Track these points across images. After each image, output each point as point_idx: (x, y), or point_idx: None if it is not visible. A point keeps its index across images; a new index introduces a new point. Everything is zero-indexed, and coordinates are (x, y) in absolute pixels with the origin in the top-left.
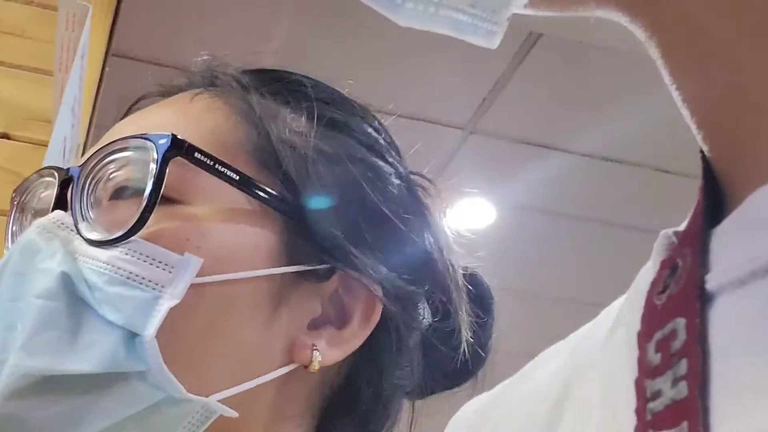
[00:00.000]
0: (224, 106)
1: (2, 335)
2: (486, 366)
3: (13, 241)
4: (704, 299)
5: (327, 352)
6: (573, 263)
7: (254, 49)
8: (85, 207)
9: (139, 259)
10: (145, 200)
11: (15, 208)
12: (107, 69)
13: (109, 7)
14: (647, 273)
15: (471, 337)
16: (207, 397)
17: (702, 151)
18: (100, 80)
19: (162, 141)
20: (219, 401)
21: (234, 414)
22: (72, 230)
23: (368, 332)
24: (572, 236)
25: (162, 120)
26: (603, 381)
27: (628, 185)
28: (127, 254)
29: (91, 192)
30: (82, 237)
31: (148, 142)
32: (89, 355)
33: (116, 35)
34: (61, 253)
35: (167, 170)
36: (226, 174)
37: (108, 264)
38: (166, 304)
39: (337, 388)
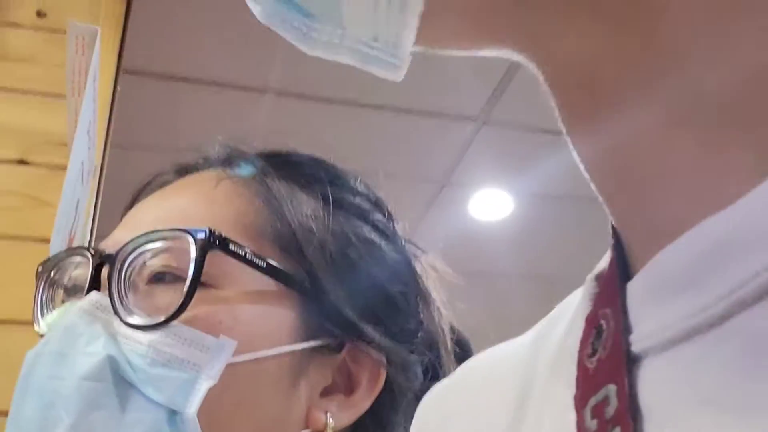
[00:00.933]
0: (246, 192)
1: (41, 413)
2: None
3: (42, 311)
4: (632, 360)
5: (338, 417)
6: (595, 245)
7: (259, 50)
8: (123, 291)
9: (178, 342)
10: (186, 288)
11: (44, 282)
12: (119, 88)
13: (117, 25)
14: (577, 320)
15: None
16: None
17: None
18: (113, 99)
19: (200, 235)
20: None
21: None
22: (110, 313)
23: (373, 397)
24: (591, 219)
25: (188, 205)
26: (554, 420)
27: None
28: (167, 337)
29: (128, 277)
30: (123, 322)
31: (187, 235)
32: None
33: (126, 52)
34: (105, 336)
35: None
36: (254, 262)
37: (150, 347)
38: (204, 384)
39: None
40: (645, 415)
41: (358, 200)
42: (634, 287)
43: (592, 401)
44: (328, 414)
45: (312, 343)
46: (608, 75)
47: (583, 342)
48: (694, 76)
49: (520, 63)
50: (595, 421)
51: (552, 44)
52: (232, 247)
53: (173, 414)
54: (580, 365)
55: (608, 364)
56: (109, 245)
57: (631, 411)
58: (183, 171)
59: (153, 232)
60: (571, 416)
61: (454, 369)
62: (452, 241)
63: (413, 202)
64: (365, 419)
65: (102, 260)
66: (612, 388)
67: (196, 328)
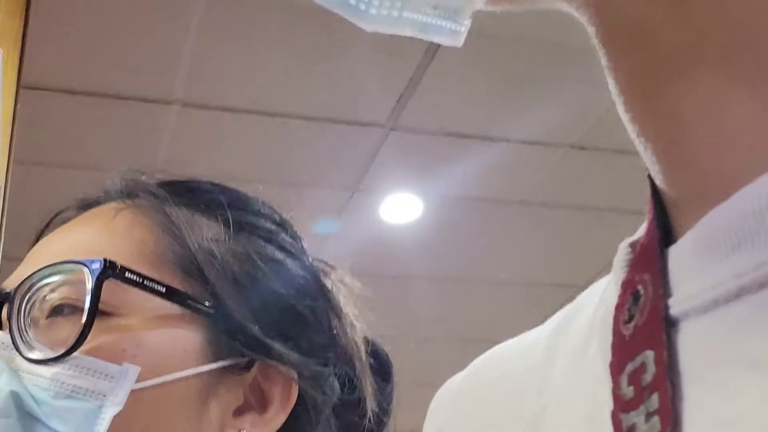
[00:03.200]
0: (145, 221)
1: None
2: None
3: None
4: (670, 324)
5: None
6: (501, 246)
7: (163, 62)
8: (23, 327)
9: (81, 372)
10: (84, 319)
11: None
12: (19, 105)
13: (16, 41)
14: (611, 288)
15: (375, 405)
16: None
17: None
18: (14, 115)
19: (95, 265)
20: None
21: None
22: (12, 349)
23: (287, 413)
24: (497, 220)
25: (88, 238)
26: (584, 397)
27: (546, 166)
28: (69, 369)
29: (28, 313)
30: (24, 357)
31: (82, 266)
32: None
33: (26, 68)
34: (7, 372)
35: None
36: (153, 288)
37: (52, 380)
38: (109, 412)
39: None
40: (684, 380)
41: (261, 222)
42: (678, 249)
43: (629, 368)
44: None
45: (220, 364)
46: (664, 32)
47: (619, 308)
48: (751, 32)
49: (425, 68)
50: (631, 388)
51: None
52: (128, 275)
53: None
54: (616, 332)
55: (645, 330)
56: (9, 283)
57: (669, 376)
58: (84, 206)
59: (49, 266)
60: (602, 388)
61: (371, 381)
62: (365, 245)
63: (324, 209)
64: None
65: (1, 299)
66: (649, 354)
67: (99, 358)
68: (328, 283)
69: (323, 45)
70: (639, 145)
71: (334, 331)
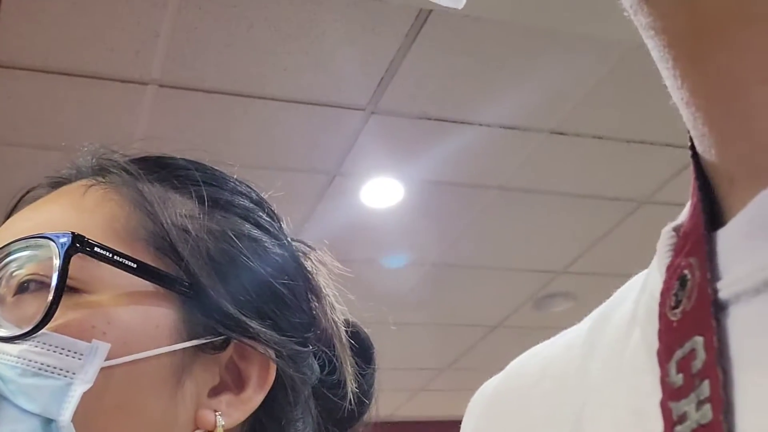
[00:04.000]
0: (116, 197)
1: None
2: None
3: None
4: (719, 310)
5: (228, 416)
6: (481, 231)
7: (140, 41)
8: None
9: (49, 350)
10: (51, 295)
11: None
12: None
13: None
14: (655, 277)
15: (356, 387)
16: None
17: (692, 150)
18: None
19: (63, 239)
20: None
21: None
22: None
23: (264, 393)
24: (477, 204)
25: (57, 215)
26: (628, 388)
27: (525, 150)
28: (37, 347)
29: None
30: None
31: (49, 241)
32: None
33: None
34: None
35: (69, 265)
36: (124, 264)
37: (19, 358)
38: (79, 390)
39: None
40: (736, 366)
41: (238, 199)
42: (728, 231)
43: (678, 354)
44: (218, 413)
45: (194, 342)
46: (720, 5)
47: (665, 294)
48: None
49: (405, 52)
50: (680, 376)
51: None
52: (97, 249)
53: (48, 422)
54: (662, 318)
55: (694, 315)
56: None
57: (720, 362)
58: (55, 184)
59: (15, 241)
60: (647, 378)
61: (351, 362)
62: (345, 229)
63: (305, 193)
64: (260, 416)
65: None
66: (699, 340)
67: (68, 335)
68: (308, 264)
69: (303, 26)
70: (688, 115)
71: (314, 312)
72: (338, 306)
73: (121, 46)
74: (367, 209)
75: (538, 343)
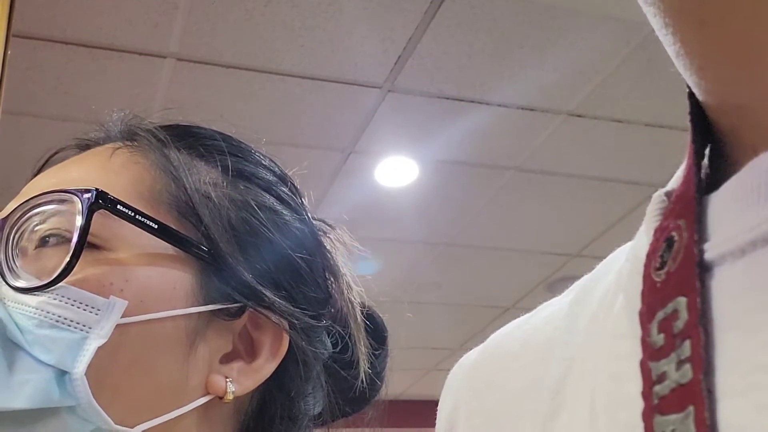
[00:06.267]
0: (143, 160)
1: None
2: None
3: None
4: (703, 271)
5: (239, 383)
6: (496, 212)
7: (159, 13)
8: (11, 257)
9: (67, 303)
10: (72, 249)
11: None
12: (9, 52)
13: None
14: (642, 240)
15: (368, 367)
16: (133, 428)
17: (692, 114)
18: (3, 64)
19: (87, 195)
20: (144, 430)
21: None
22: None
23: (276, 363)
24: (493, 185)
25: (83, 174)
26: (608, 353)
27: (543, 131)
28: (55, 299)
29: (17, 242)
30: (10, 285)
31: (73, 196)
32: (23, 393)
33: (17, 15)
34: None
35: (92, 221)
36: (145, 224)
37: (38, 309)
38: (93, 344)
39: (251, 413)
40: (718, 327)
41: (261, 172)
42: (720, 195)
43: (660, 315)
44: (228, 380)
45: (210, 307)
46: None
47: (651, 255)
48: None
49: (424, 29)
50: (662, 336)
51: None
52: (120, 207)
53: (62, 374)
54: (647, 279)
55: (678, 276)
56: (1, 215)
57: (702, 323)
58: (84, 146)
59: (40, 195)
60: (625, 342)
61: (365, 343)
62: (359, 208)
63: (320, 169)
64: (271, 387)
65: None
66: (682, 301)
67: (86, 290)
68: (327, 242)
69: (322, 2)
70: (691, 70)
71: (330, 289)
72: (355, 287)
73: (139, 18)
74: (382, 188)
75: None
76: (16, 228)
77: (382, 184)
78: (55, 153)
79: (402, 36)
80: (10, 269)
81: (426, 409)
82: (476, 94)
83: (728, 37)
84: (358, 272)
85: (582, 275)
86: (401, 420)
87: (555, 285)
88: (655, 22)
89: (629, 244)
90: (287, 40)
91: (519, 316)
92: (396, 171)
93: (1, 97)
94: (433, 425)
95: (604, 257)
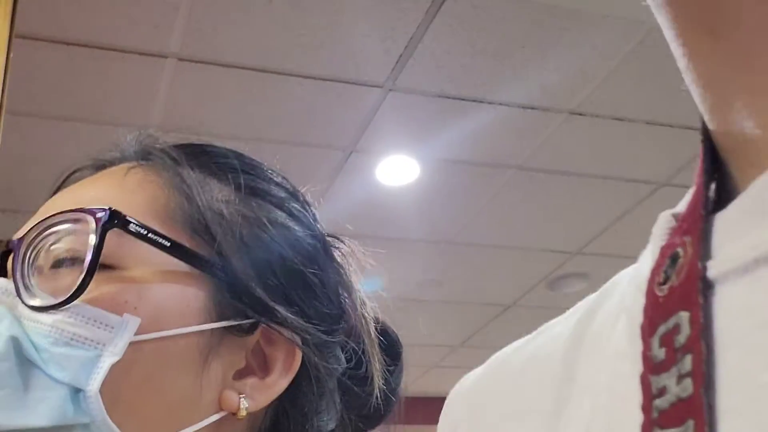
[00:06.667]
0: (157, 179)
1: None
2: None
3: None
4: (706, 288)
5: (252, 399)
6: (497, 210)
7: (159, 14)
8: (27, 276)
9: (81, 321)
10: (86, 268)
11: None
12: (12, 53)
13: None
14: (647, 259)
15: (383, 383)
16: None
17: (703, 133)
18: (6, 64)
19: (100, 214)
20: None
21: None
22: (15, 296)
23: (289, 379)
24: (494, 184)
25: (98, 194)
26: (608, 372)
27: (544, 130)
28: (70, 317)
29: (33, 261)
30: (26, 305)
31: (87, 215)
32: (39, 410)
33: (19, 16)
34: (9, 318)
35: (105, 240)
36: (158, 242)
37: (53, 327)
38: (107, 361)
39: (264, 429)
40: (719, 343)
41: (273, 189)
42: (726, 214)
43: (662, 329)
44: (242, 396)
45: (223, 324)
46: None
47: (655, 271)
48: None
49: (425, 29)
50: (663, 350)
51: None
52: (133, 226)
53: (76, 392)
54: (649, 294)
55: (681, 291)
56: (18, 234)
57: (704, 338)
58: (100, 166)
59: (56, 214)
60: (627, 361)
61: (379, 358)
62: (360, 206)
63: (321, 168)
64: (284, 404)
65: (9, 248)
66: (684, 315)
67: (101, 308)
68: (338, 257)
69: (323, 1)
70: (698, 90)
71: (343, 304)
72: (369, 302)
73: (140, 19)
74: (383, 187)
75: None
76: (32, 248)
77: (383, 183)
78: (72, 173)
79: (403, 35)
80: (27, 288)
81: (427, 406)
82: (478, 93)
83: (738, 49)
84: (365, 288)
85: (583, 273)
86: (402, 417)
87: (556, 283)
88: (668, 35)
89: (634, 266)
90: (288, 40)
91: (520, 314)
92: (397, 170)
93: (4, 97)
94: (435, 422)
95: (605, 255)
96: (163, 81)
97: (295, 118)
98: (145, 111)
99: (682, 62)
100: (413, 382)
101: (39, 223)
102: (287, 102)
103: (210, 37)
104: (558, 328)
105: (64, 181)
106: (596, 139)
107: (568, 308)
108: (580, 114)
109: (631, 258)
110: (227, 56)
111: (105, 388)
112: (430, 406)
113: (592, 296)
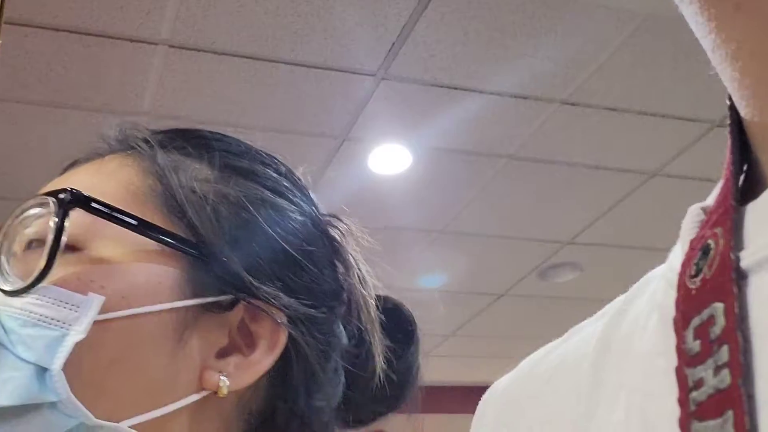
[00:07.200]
0: (134, 163)
1: None
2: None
3: None
4: (740, 279)
5: (235, 378)
6: (489, 199)
7: (150, 0)
8: (3, 262)
9: (48, 302)
10: (47, 250)
11: None
12: (1, 40)
13: None
14: (677, 254)
15: (397, 364)
16: (119, 422)
17: (732, 123)
18: None
19: (61, 196)
20: (133, 426)
21: None
22: None
23: (275, 356)
24: (486, 173)
25: (77, 180)
26: (642, 369)
27: (536, 120)
28: (38, 299)
29: (9, 248)
30: (0, 289)
31: (51, 198)
32: (5, 390)
33: (7, 2)
34: None
35: (69, 221)
36: (125, 221)
37: (22, 309)
38: (71, 340)
39: (257, 411)
40: (755, 333)
41: (259, 168)
42: (758, 204)
43: (696, 321)
44: (222, 375)
45: (197, 301)
46: None
47: (685, 264)
48: None
49: (418, 17)
50: (698, 342)
51: None
52: (94, 205)
53: (42, 371)
54: (681, 287)
55: (715, 282)
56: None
57: (741, 329)
58: (91, 158)
59: (28, 200)
60: (661, 359)
61: (380, 337)
62: (353, 195)
63: (313, 157)
64: (274, 383)
65: None
66: (718, 306)
67: (66, 288)
68: (336, 234)
69: None
70: (732, 76)
71: (340, 281)
72: (371, 280)
73: (131, 5)
74: (375, 175)
75: (542, 312)
76: (8, 234)
77: (375, 171)
78: (67, 168)
79: (396, 23)
80: (2, 273)
81: (422, 394)
82: (470, 82)
83: (765, 22)
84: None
85: (575, 262)
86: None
87: (547, 272)
88: (689, 11)
89: (663, 266)
90: (280, 27)
91: (512, 303)
92: (389, 158)
93: None
94: (427, 411)
95: (597, 244)
96: (153, 68)
97: (287, 106)
98: (135, 98)
99: (707, 40)
100: None
101: (13, 210)
102: (279, 90)
103: (201, 24)
104: (587, 331)
105: (62, 173)
106: (589, 128)
107: (560, 298)
108: (573, 104)
109: (623, 248)
110: (219, 43)
111: (72, 367)
112: (424, 394)
113: (622, 297)
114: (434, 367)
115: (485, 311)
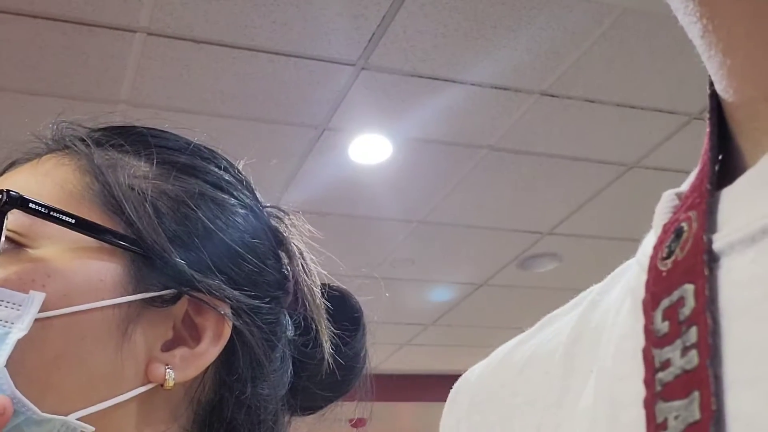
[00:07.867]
0: (71, 162)
1: None
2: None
3: None
4: (712, 261)
5: (181, 370)
6: (469, 190)
7: None
8: None
9: None
10: None
11: None
12: None
13: None
14: (650, 238)
15: (346, 350)
16: (67, 416)
17: (711, 109)
18: None
19: None
20: (80, 419)
21: (91, 429)
22: None
23: (219, 348)
24: (466, 163)
25: (14, 181)
26: (612, 353)
27: (516, 111)
28: None
29: None
30: None
31: None
32: None
33: None
34: None
35: (7, 222)
36: (63, 220)
37: None
38: (14, 337)
39: (204, 402)
40: (725, 315)
41: (198, 163)
42: (732, 189)
43: (665, 303)
44: (168, 367)
45: (139, 296)
46: None
47: (657, 247)
48: None
49: (398, 7)
50: (666, 323)
51: None
52: (32, 205)
53: None
54: (652, 270)
55: (686, 264)
56: None
57: (710, 310)
58: (30, 159)
59: None
60: (629, 343)
61: (326, 324)
62: (333, 185)
63: (293, 146)
64: (221, 374)
65: None
66: (689, 288)
67: (8, 287)
68: (282, 227)
69: None
70: (716, 48)
71: (284, 271)
72: (315, 268)
73: None
74: (355, 165)
75: (522, 302)
76: None
77: (355, 161)
78: (6, 169)
79: (376, 13)
80: None
81: (400, 383)
82: (450, 72)
83: (759, 7)
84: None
85: (554, 253)
86: (374, 393)
87: (527, 262)
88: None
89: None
90: (259, 16)
91: (491, 293)
92: (370, 148)
93: None
94: (407, 399)
95: (576, 235)
96: (132, 56)
97: (267, 95)
98: (113, 86)
99: (696, 27)
100: (386, 359)
101: None
102: (258, 79)
103: (180, 11)
104: (560, 321)
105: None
106: (568, 120)
107: (539, 287)
108: (552, 95)
109: (602, 238)
110: (197, 31)
111: (17, 364)
112: (403, 383)
113: (596, 286)
114: (414, 356)
115: (464, 301)
